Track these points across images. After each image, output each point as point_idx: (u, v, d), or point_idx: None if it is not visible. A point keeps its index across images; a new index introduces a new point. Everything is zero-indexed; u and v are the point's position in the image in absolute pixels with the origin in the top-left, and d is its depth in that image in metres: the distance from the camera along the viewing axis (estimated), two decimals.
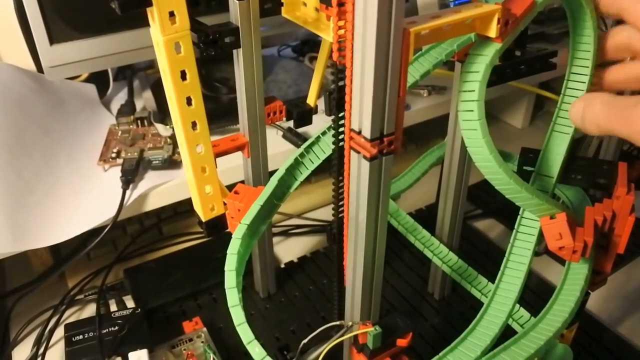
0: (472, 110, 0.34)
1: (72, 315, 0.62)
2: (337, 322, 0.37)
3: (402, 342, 0.38)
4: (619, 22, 0.39)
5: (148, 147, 0.65)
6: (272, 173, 0.47)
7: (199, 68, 0.40)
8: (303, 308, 0.63)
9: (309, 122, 0.56)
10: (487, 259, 0.69)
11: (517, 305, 0.47)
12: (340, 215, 0.39)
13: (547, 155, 0.45)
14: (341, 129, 0.36)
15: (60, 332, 0.59)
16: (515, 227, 0.45)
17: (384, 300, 0.61)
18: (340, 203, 0.39)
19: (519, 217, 0.45)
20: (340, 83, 0.33)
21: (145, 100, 0.77)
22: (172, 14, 0.37)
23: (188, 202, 0.53)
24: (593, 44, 0.41)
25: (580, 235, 0.39)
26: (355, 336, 0.38)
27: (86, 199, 0.59)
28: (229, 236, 0.42)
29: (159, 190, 0.61)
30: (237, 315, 0.37)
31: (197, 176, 0.46)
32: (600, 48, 0.41)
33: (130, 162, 0.61)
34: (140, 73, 0.85)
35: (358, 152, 0.33)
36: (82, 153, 0.65)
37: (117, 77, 0.85)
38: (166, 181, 0.62)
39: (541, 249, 0.54)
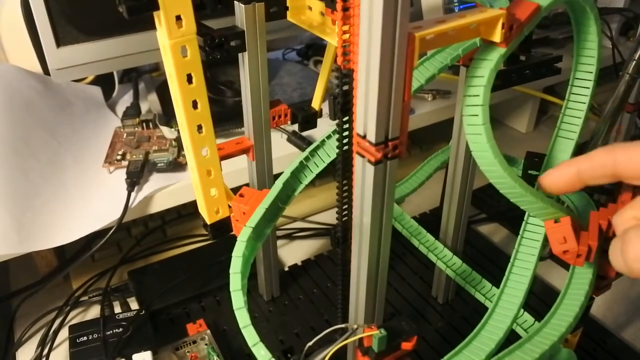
0: (476, 115, 0.34)
1: (77, 316, 0.63)
2: (342, 325, 0.37)
3: (407, 346, 0.38)
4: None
5: (153, 150, 0.65)
6: (276, 176, 0.47)
7: (204, 71, 0.41)
8: (307, 311, 0.63)
9: (314, 125, 0.56)
10: (491, 263, 0.69)
11: (522, 310, 0.47)
12: (344, 218, 0.39)
13: (552, 160, 0.45)
14: (346, 133, 0.36)
15: (64, 333, 0.59)
16: (520, 232, 0.45)
17: (387, 304, 0.61)
18: (345, 206, 0.39)
19: (524, 222, 0.45)
20: (345, 87, 0.33)
21: (150, 103, 0.77)
22: (178, 18, 0.37)
23: (193, 204, 0.53)
24: (597, 48, 0.41)
25: (585, 239, 0.39)
26: (360, 339, 0.38)
27: (91, 201, 0.59)
28: (233, 239, 0.42)
29: (164, 192, 0.62)
30: (242, 317, 0.37)
31: (202, 179, 0.46)
32: None
33: (135, 165, 0.62)
34: (146, 75, 0.85)
35: (363, 157, 0.33)
36: (87, 155, 0.65)
37: (122, 80, 0.86)
38: (171, 183, 0.62)
39: (545, 253, 0.54)
